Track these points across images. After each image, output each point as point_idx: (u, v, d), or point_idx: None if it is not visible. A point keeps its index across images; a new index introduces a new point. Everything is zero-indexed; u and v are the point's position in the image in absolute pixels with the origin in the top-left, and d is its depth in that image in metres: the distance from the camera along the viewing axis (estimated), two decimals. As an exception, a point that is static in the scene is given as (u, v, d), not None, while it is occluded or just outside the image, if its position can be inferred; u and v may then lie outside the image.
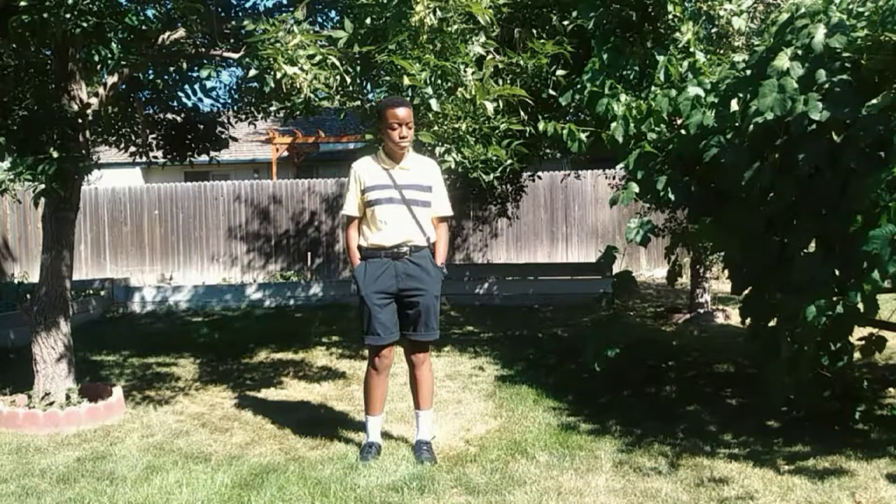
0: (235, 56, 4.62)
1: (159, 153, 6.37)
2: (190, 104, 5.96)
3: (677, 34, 4.54)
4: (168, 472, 3.62)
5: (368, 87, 4.42)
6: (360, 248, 3.73)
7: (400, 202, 3.66)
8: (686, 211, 5.18)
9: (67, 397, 4.62)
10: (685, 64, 4.29)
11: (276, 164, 15.48)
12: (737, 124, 3.74)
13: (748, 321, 4.02)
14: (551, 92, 4.92)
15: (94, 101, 4.75)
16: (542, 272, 10.82)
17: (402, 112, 3.58)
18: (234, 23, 4.99)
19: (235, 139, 6.74)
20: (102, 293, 9.73)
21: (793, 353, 3.64)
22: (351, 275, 3.77)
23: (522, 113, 4.43)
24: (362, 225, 3.75)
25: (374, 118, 3.75)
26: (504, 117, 4.17)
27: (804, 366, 3.57)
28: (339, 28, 4.04)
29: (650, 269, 12.38)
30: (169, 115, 6.25)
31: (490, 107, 3.90)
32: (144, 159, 6.31)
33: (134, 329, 8.42)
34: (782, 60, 3.50)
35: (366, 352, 6.55)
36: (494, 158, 4.15)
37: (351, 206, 3.75)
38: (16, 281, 11.20)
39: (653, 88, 4.28)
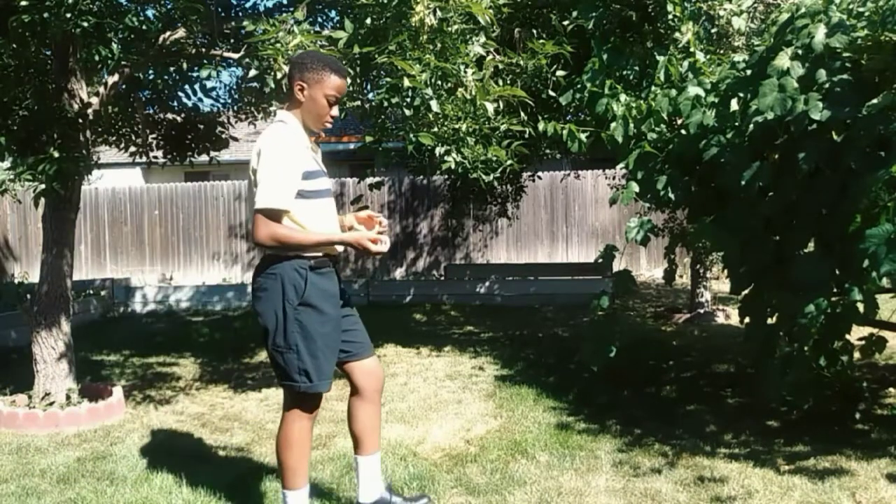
0: (235, 56, 4.62)
1: (159, 153, 6.37)
2: (190, 104, 5.96)
3: (677, 34, 4.54)
4: (168, 472, 3.62)
5: (368, 87, 4.42)
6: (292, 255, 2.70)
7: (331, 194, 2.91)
8: (686, 211, 5.17)
9: (68, 397, 4.62)
10: (685, 64, 4.28)
11: (276, 163, 15.47)
12: (737, 124, 3.74)
13: (746, 320, 4.02)
14: (551, 92, 4.92)
15: (94, 100, 4.75)
16: (542, 272, 10.83)
17: (344, 86, 2.82)
18: (233, 24, 4.99)
19: (236, 139, 6.74)
20: (103, 293, 9.74)
21: (788, 352, 3.64)
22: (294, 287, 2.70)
23: (522, 113, 4.43)
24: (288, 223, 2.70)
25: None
26: (504, 118, 4.17)
27: (801, 365, 3.57)
28: (339, 28, 4.04)
29: (650, 269, 12.37)
30: (169, 115, 6.25)
31: (490, 108, 3.90)
32: (144, 159, 6.32)
33: (134, 329, 8.43)
34: (782, 60, 3.50)
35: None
36: (494, 159, 4.15)
37: (288, 195, 2.67)
38: (16, 281, 11.20)
39: (653, 88, 4.28)
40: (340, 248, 2.86)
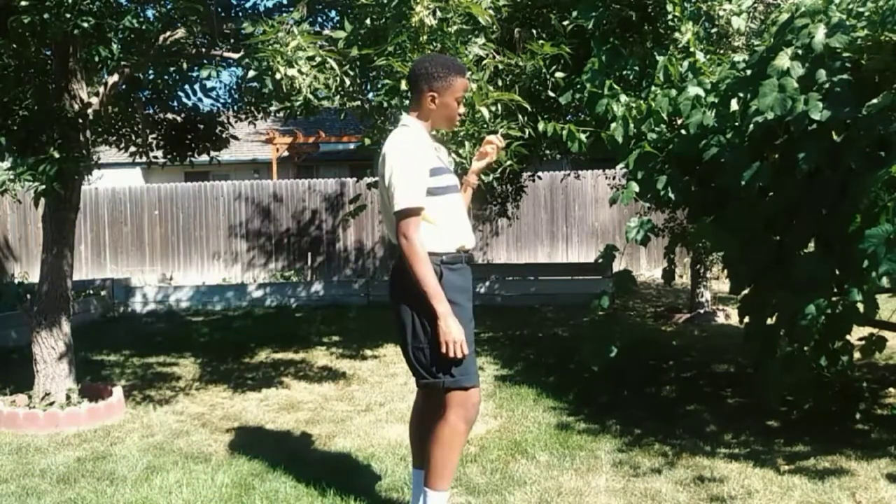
0: (235, 56, 4.62)
1: (159, 153, 6.37)
2: (190, 104, 5.97)
3: (677, 34, 4.54)
4: (168, 472, 3.62)
5: (367, 87, 4.42)
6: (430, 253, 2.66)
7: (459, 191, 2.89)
8: (686, 211, 5.18)
9: (68, 397, 4.62)
10: (685, 64, 4.28)
11: (276, 163, 15.48)
12: (737, 124, 3.74)
13: (746, 320, 4.02)
14: (551, 93, 4.91)
15: (94, 100, 4.75)
16: (542, 272, 10.83)
17: (468, 82, 2.93)
18: (233, 25, 4.99)
19: (237, 138, 6.74)
20: (103, 293, 9.73)
21: (788, 352, 3.64)
22: (402, 291, 2.71)
23: (521, 117, 4.42)
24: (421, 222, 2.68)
25: (410, 90, 2.91)
26: (502, 121, 4.16)
27: (802, 365, 3.57)
28: (339, 28, 4.04)
29: (650, 269, 12.36)
30: (169, 115, 6.26)
31: (487, 113, 3.89)
32: (144, 159, 6.31)
33: (134, 329, 8.43)
34: (782, 60, 3.50)
35: (369, 351, 6.65)
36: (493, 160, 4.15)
37: (421, 193, 2.65)
38: (16, 281, 11.20)
39: (653, 88, 4.28)
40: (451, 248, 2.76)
